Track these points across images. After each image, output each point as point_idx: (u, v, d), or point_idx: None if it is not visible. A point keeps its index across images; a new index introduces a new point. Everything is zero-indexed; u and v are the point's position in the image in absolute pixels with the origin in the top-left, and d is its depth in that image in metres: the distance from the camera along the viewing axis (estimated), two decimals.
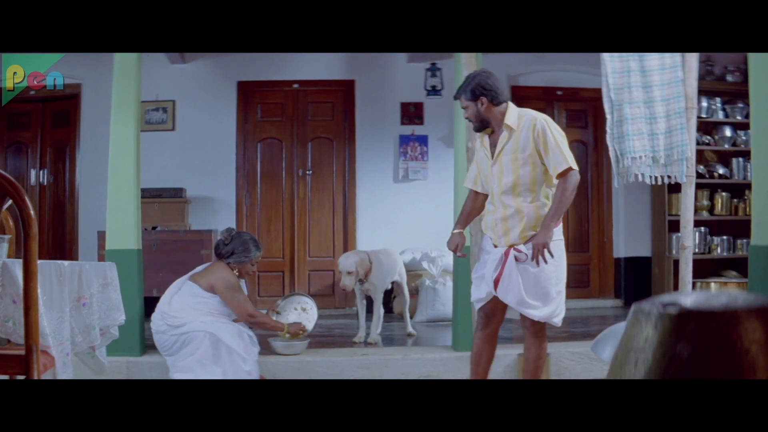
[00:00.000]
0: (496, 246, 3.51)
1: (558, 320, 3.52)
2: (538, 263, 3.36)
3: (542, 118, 3.47)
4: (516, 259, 3.41)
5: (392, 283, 5.61)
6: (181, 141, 7.35)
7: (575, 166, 3.41)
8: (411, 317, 6.65)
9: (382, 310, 5.40)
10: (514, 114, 3.50)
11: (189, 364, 4.12)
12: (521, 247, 3.42)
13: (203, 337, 4.14)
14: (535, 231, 3.42)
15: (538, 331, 3.54)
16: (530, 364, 3.58)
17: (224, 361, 4.13)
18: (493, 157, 3.51)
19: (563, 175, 3.40)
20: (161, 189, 6.80)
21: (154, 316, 4.32)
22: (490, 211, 3.57)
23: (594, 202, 7.89)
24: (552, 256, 3.37)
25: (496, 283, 3.46)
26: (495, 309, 3.59)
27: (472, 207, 3.75)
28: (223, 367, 4.12)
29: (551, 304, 3.46)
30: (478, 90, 3.49)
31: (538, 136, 3.42)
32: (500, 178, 3.48)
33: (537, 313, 3.44)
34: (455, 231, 3.72)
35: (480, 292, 3.59)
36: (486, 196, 3.65)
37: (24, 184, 7.35)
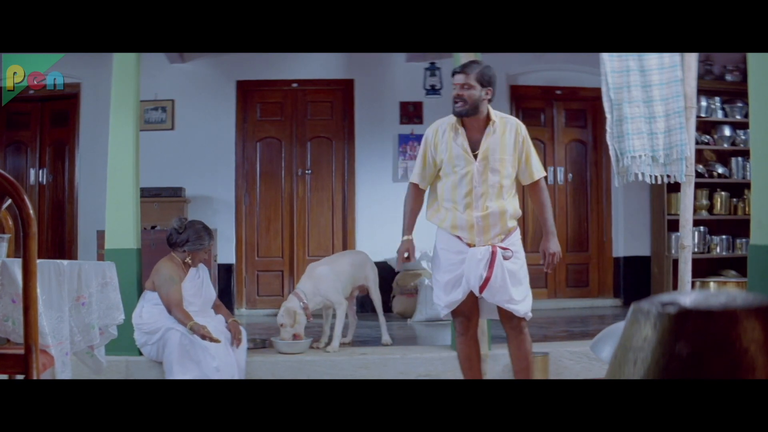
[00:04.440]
0: (470, 245, 3.45)
1: (530, 313, 3.57)
2: (553, 270, 3.45)
3: (523, 125, 3.56)
4: (504, 257, 3.42)
5: (358, 287, 5.22)
6: (180, 140, 7.35)
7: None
8: (410, 317, 6.67)
9: (356, 318, 5.25)
10: (497, 115, 3.53)
11: (168, 364, 4.21)
12: (504, 245, 3.45)
13: (173, 335, 4.21)
14: (509, 227, 3.48)
15: (523, 326, 3.57)
16: (523, 361, 3.58)
17: (198, 356, 4.18)
18: (475, 155, 3.44)
19: (538, 181, 3.56)
20: (160, 188, 6.80)
21: (134, 335, 4.40)
22: (456, 208, 3.48)
23: (593, 201, 7.89)
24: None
25: (485, 283, 3.40)
26: (473, 310, 3.58)
27: (415, 205, 3.68)
28: (196, 361, 4.17)
29: (528, 298, 3.54)
30: (487, 78, 3.46)
31: (523, 142, 3.50)
32: (484, 177, 3.44)
33: (521, 308, 3.49)
34: (405, 238, 3.60)
35: (456, 294, 3.48)
36: (423, 192, 3.66)
37: (23, 184, 7.35)
